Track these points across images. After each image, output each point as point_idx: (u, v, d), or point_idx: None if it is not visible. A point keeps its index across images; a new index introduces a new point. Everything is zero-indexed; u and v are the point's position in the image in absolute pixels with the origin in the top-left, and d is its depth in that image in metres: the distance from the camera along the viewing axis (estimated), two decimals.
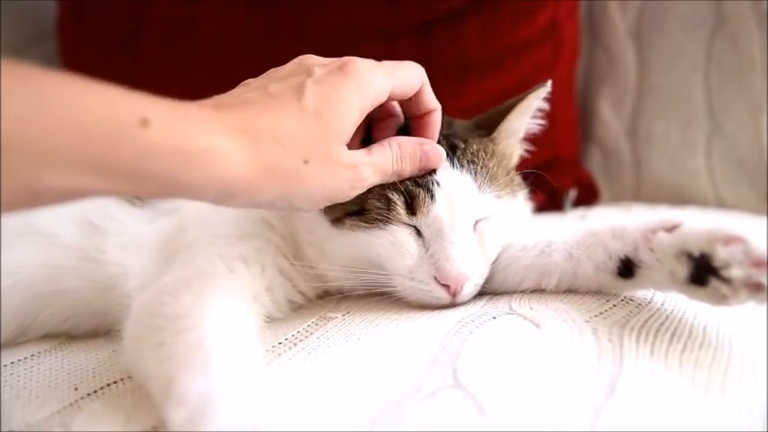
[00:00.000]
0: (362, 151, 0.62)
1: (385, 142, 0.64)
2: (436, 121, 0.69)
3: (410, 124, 0.70)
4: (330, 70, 0.59)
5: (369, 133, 0.68)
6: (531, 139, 0.80)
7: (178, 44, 1.22)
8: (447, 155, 0.69)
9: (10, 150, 0.42)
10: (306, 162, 0.55)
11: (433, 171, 0.67)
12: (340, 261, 0.70)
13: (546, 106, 0.77)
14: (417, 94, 0.66)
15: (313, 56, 0.62)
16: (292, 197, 0.56)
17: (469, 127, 0.76)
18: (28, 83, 0.43)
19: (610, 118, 1.24)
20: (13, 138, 0.42)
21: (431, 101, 0.68)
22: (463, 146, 0.71)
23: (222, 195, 0.53)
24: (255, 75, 0.62)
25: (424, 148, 0.66)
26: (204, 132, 0.50)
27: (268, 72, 0.62)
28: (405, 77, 0.64)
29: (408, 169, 0.66)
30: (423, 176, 0.67)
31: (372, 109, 0.62)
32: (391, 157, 0.64)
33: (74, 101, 0.44)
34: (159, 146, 0.47)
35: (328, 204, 0.62)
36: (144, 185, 0.49)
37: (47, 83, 0.44)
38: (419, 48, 1.12)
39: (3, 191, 0.42)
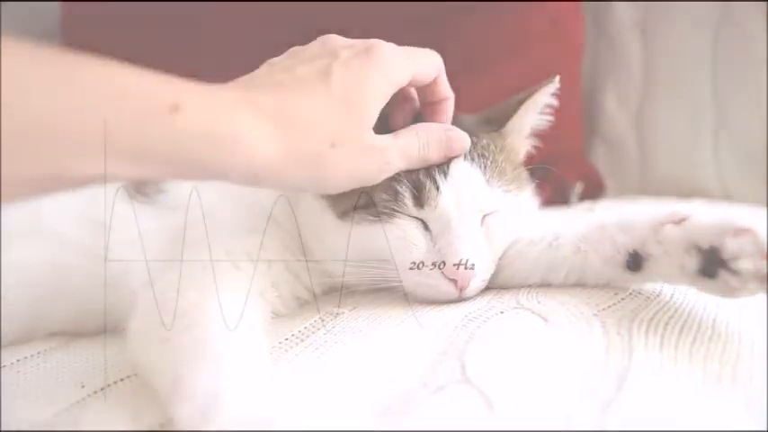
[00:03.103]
0: (389, 136, 0.62)
1: (412, 128, 0.64)
2: (448, 108, 0.69)
3: (422, 111, 0.70)
4: (356, 53, 0.59)
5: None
6: (536, 133, 0.80)
7: (182, 44, 1.22)
8: None
9: (39, 136, 0.41)
10: (333, 146, 0.56)
11: (443, 164, 0.67)
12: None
13: (554, 102, 0.76)
14: (433, 82, 0.66)
15: (336, 36, 0.62)
16: (320, 180, 0.57)
17: (477, 122, 0.75)
18: (58, 67, 0.43)
19: (615, 112, 1.23)
20: (41, 123, 0.41)
21: (446, 89, 0.68)
22: (473, 139, 0.70)
23: (249, 178, 0.53)
24: None
25: (449, 134, 0.66)
26: (233, 116, 0.50)
27: (292, 51, 0.62)
28: (424, 64, 0.64)
29: (435, 156, 0.65)
30: (430, 169, 0.66)
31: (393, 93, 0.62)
32: (418, 143, 0.64)
33: (105, 86, 0.45)
34: (190, 131, 0.47)
35: (356, 187, 0.62)
36: (173, 170, 0.49)
37: (77, 67, 0.44)
38: (422, 43, 1.12)
39: (29, 177, 0.42)
